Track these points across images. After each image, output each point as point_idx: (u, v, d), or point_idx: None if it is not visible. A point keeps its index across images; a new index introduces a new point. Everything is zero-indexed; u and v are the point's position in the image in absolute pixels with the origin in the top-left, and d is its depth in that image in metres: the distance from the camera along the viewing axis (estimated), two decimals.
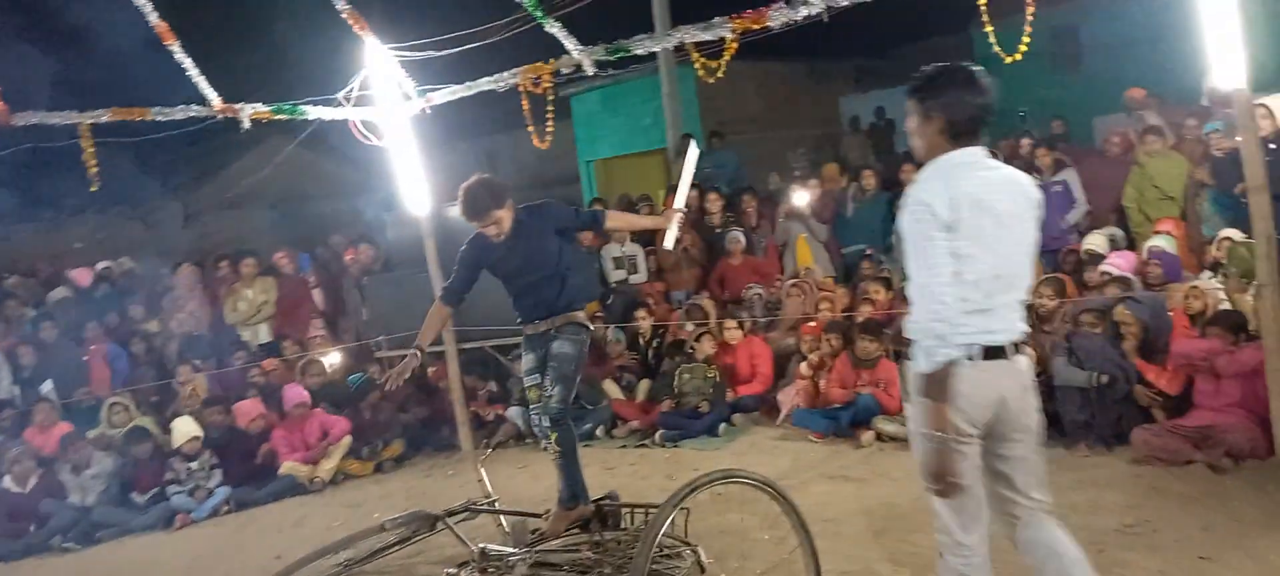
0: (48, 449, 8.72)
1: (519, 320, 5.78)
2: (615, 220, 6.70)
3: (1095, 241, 8.66)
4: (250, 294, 10.85)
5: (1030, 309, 7.67)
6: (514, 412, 9.26)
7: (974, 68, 3.36)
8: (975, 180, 3.27)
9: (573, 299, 5.67)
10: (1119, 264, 7.89)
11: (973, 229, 3.21)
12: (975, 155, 3.35)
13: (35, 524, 8.18)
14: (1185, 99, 10.06)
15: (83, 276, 12.31)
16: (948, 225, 3.18)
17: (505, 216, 5.45)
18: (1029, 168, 9.66)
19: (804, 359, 8.48)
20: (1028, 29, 5.84)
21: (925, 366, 3.24)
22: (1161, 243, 8.09)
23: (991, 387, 3.32)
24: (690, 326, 9.41)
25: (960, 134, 3.33)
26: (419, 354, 5.78)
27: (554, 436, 5.48)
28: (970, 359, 3.25)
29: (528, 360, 5.72)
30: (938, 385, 3.22)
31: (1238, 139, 5.97)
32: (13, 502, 8.26)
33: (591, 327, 6.09)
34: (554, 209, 5.73)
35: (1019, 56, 6.02)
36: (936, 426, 3.24)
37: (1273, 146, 7.20)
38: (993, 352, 3.31)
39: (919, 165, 3.47)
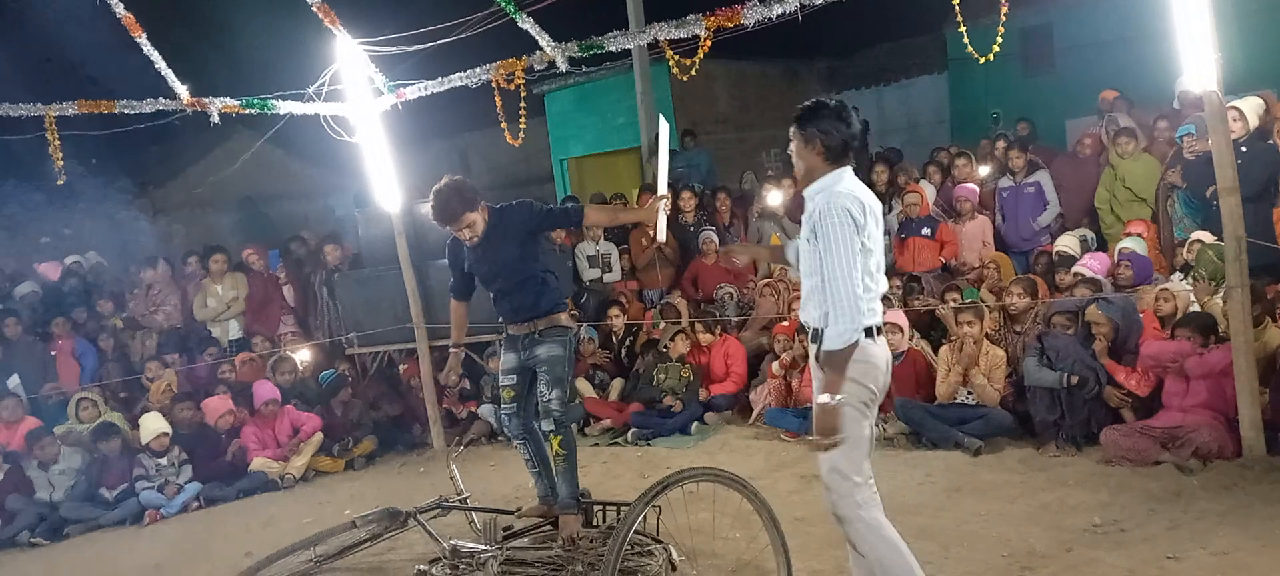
0: (13, 445, 8.61)
1: (500, 320, 5.75)
2: (595, 215, 6.62)
3: (1068, 243, 8.72)
4: (220, 290, 10.76)
5: (1002, 309, 7.75)
6: (486, 410, 9.22)
7: (845, 101, 3.94)
8: (861, 192, 3.89)
9: (555, 302, 5.59)
10: (1093, 266, 7.94)
11: (871, 230, 3.85)
12: (851, 173, 3.94)
13: (1, 520, 8.08)
14: (1157, 100, 10.13)
15: (51, 271, 12.17)
16: (859, 227, 3.78)
17: (477, 219, 5.39)
18: (1003, 169, 9.75)
19: (777, 358, 8.49)
20: (1001, 29, 5.86)
21: (838, 344, 3.77)
22: (1132, 244, 8.14)
23: (883, 357, 3.99)
24: (663, 325, 9.40)
25: (836, 157, 3.91)
26: (461, 350, 5.96)
27: (557, 439, 5.42)
28: (872, 336, 3.89)
29: (507, 359, 5.65)
30: (844, 358, 3.79)
31: (1209, 141, 6.01)
32: None
33: (574, 329, 6.06)
34: (525, 210, 5.58)
35: (991, 57, 6.06)
36: (839, 391, 3.80)
37: (1243, 149, 7.27)
38: (880, 330, 3.98)
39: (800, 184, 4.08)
